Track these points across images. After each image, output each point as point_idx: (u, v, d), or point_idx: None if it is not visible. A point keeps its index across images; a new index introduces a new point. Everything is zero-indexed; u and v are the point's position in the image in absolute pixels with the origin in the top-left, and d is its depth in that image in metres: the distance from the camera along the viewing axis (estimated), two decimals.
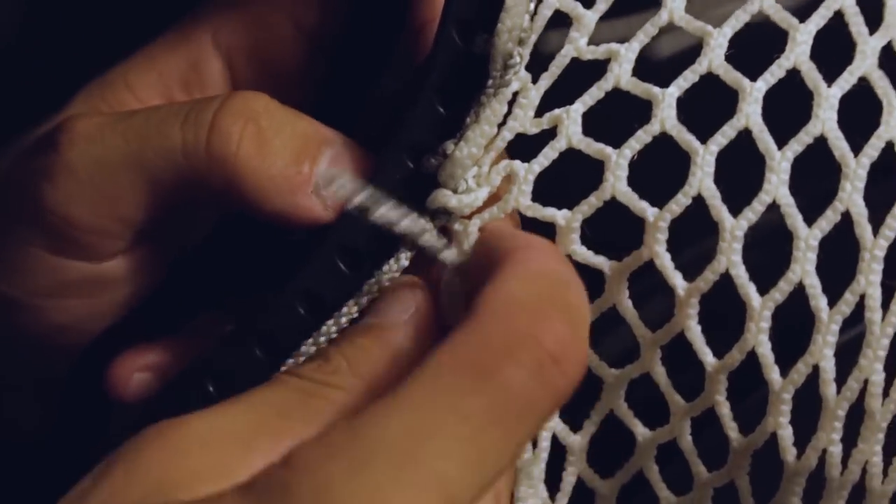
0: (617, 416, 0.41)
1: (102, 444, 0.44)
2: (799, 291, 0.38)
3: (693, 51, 0.41)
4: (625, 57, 0.40)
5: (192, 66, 0.44)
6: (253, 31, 0.44)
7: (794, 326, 0.38)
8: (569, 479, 0.42)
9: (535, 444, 0.41)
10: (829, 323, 0.38)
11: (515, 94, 0.40)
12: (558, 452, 0.42)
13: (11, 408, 0.46)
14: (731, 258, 0.38)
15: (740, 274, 0.38)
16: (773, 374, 0.38)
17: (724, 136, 0.39)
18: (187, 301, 0.44)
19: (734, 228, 0.38)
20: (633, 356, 0.41)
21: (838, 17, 0.40)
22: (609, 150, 0.39)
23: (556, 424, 0.41)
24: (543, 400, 0.33)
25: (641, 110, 0.40)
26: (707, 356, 0.39)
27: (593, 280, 0.40)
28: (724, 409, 0.39)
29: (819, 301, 0.38)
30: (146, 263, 0.42)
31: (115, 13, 0.49)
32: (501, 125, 0.40)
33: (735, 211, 0.39)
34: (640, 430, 0.42)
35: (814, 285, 0.38)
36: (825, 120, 0.39)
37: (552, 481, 0.41)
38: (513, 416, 0.32)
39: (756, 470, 0.39)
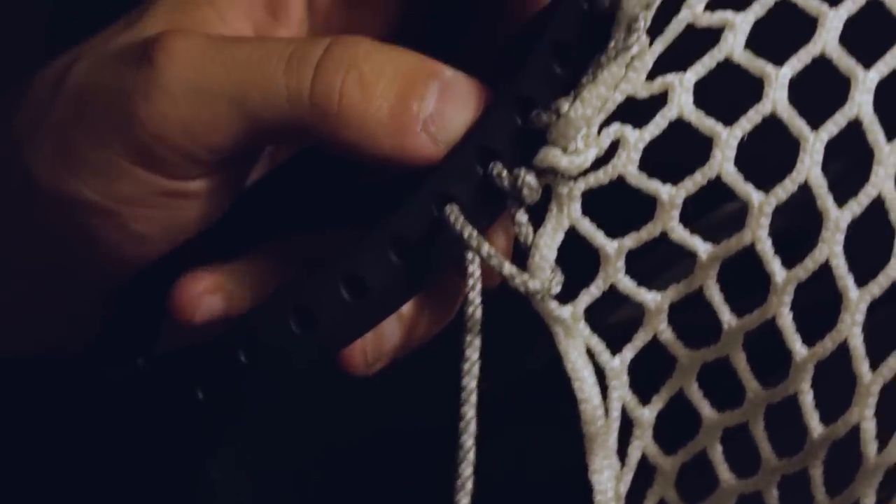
0: (686, 395, 0.41)
1: (154, 361, 0.43)
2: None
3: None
4: (739, 28, 0.39)
5: None
6: None
7: (884, 322, 0.39)
8: (634, 454, 0.41)
9: (606, 413, 0.40)
10: None
11: (631, 57, 0.39)
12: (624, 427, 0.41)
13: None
14: (833, 249, 0.38)
15: (840, 265, 0.38)
16: (863, 366, 0.38)
17: (835, 124, 0.38)
18: (246, 230, 0.43)
19: (838, 220, 0.38)
20: (711, 339, 0.40)
21: None
22: (720, 127, 0.39)
23: (626, 394, 0.41)
24: None
25: (747, 83, 0.40)
26: (796, 344, 0.39)
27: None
28: (808, 398, 0.39)
29: None
30: (228, 187, 0.41)
31: None
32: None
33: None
34: (708, 412, 0.42)
35: None
36: None
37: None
38: None
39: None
